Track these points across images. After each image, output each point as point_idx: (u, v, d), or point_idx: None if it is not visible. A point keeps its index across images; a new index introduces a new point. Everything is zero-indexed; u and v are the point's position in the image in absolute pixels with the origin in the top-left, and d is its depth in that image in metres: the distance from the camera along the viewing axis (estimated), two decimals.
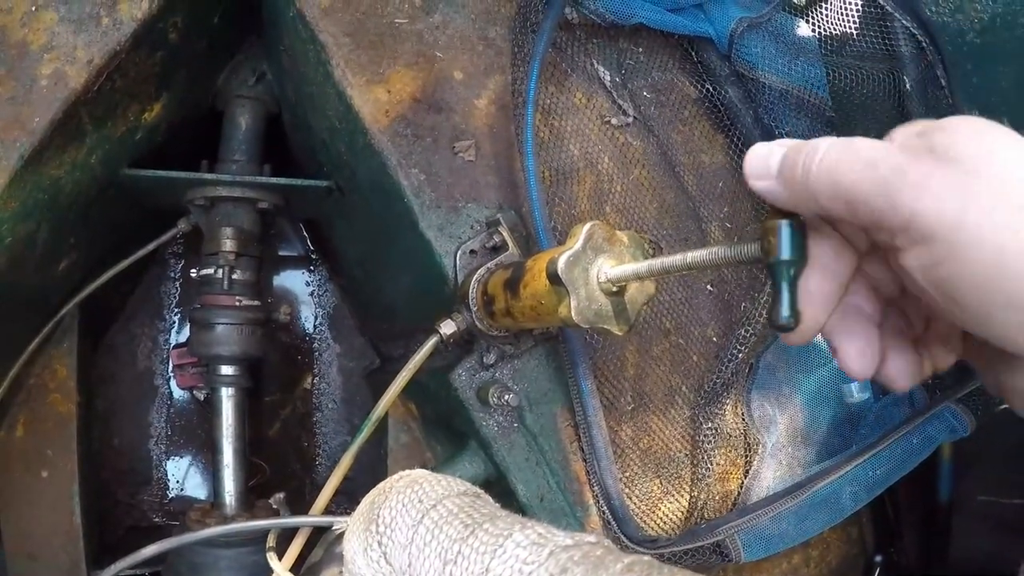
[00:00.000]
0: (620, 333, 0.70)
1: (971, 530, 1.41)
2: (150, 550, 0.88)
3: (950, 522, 1.42)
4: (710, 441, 1.08)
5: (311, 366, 1.65)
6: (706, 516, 1.11)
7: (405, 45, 0.99)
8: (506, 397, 0.88)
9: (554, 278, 0.68)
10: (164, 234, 1.18)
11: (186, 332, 1.58)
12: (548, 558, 0.51)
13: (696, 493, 1.09)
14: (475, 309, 0.86)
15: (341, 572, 0.92)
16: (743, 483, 1.14)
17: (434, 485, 0.68)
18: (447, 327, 0.86)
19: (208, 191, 1.14)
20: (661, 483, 1.05)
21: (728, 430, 1.11)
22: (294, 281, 1.67)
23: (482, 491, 0.69)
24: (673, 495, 1.07)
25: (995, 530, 1.39)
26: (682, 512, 1.08)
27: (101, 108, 0.99)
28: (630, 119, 1.08)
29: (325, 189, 1.13)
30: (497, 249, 0.90)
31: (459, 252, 0.90)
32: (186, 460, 1.60)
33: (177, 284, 1.61)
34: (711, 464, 1.09)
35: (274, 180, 1.14)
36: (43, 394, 1.23)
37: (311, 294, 1.67)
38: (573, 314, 0.67)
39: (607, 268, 0.68)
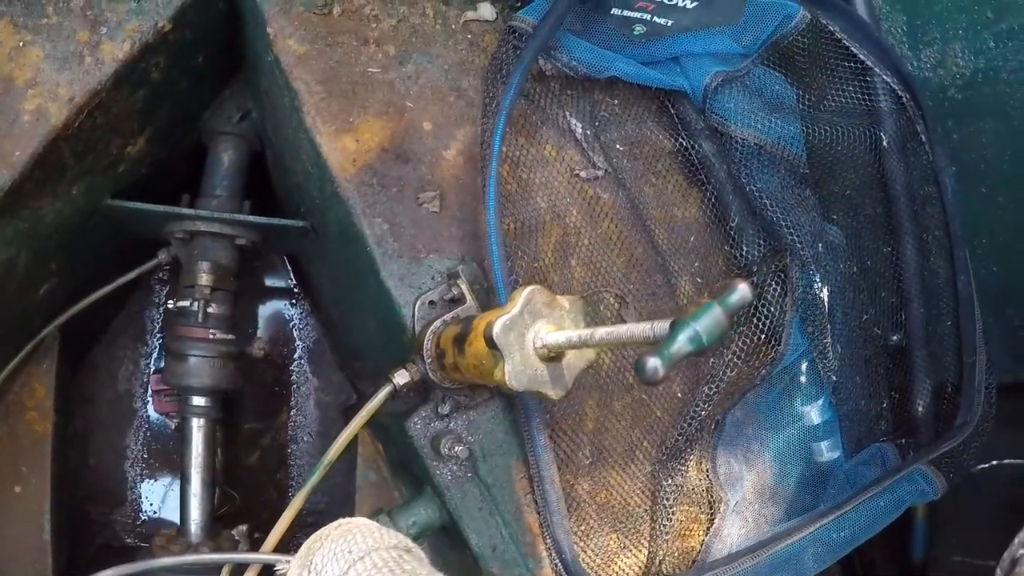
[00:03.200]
0: (555, 398, 0.73)
1: None
2: (105, 574, 0.91)
3: None
4: (670, 497, 1.10)
5: (289, 398, 1.69)
6: (663, 572, 1.12)
7: (376, 95, 1.03)
8: (456, 448, 0.91)
9: (490, 342, 0.71)
10: (145, 263, 1.22)
11: None
12: None
13: (654, 549, 1.11)
14: (429, 361, 0.89)
15: None
16: (704, 540, 1.16)
17: (366, 536, 0.71)
18: (400, 377, 0.89)
19: (187, 225, 1.19)
20: (618, 537, 1.07)
21: (691, 486, 1.13)
22: (278, 312, 1.72)
23: (415, 546, 0.71)
24: (630, 550, 1.08)
25: None
26: (639, 567, 1.10)
27: (82, 143, 1.04)
28: (600, 172, 1.11)
29: (301, 229, 1.17)
30: (456, 301, 0.93)
31: (418, 302, 0.94)
32: (160, 483, 1.64)
33: (161, 310, 1.65)
34: (670, 520, 1.11)
35: (252, 218, 1.19)
36: (20, 412, 1.27)
37: (293, 327, 1.71)
38: (507, 378, 0.70)
39: (543, 334, 0.71)
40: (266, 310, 1.71)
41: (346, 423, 1.61)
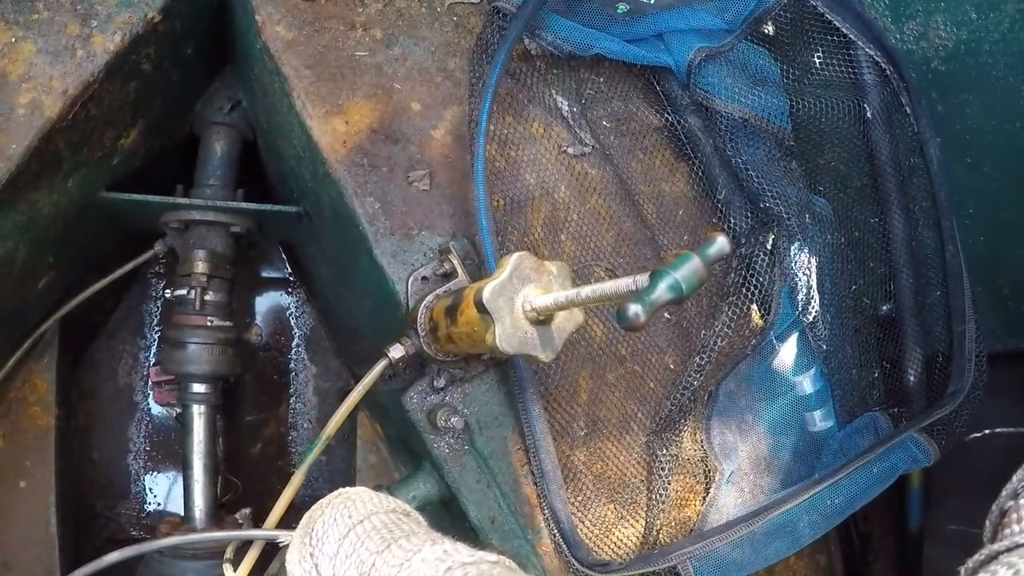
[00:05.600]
0: (546, 360, 0.77)
1: (943, 559, 1.45)
2: (112, 557, 0.95)
3: (921, 551, 1.47)
4: (666, 468, 1.14)
5: (288, 386, 1.73)
6: (661, 541, 1.15)
7: (365, 77, 1.06)
8: (452, 420, 0.94)
9: (480, 306, 0.74)
10: (141, 255, 1.25)
11: None
12: (445, 573, 0.57)
13: (651, 519, 1.14)
14: (423, 334, 0.92)
15: None
16: (700, 510, 1.19)
17: (365, 502, 0.74)
18: (395, 351, 0.92)
19: (182, 215, 1.22)
20: (615, 508, 1.11)
21: (686, 457, 1.17)
22: (274, 302, 1.75)
23: (413, 510, 0.75)
24: (628, 520, 1.12)
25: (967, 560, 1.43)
26: (637, 537, 1.13)
27: (77, 135, 1.07)
28: (588, 148, 1.15)
29: (295, 215, 1.20)
30: (448, 276, 0.97)
31: (411, 278, 0.97)
32: (164, 475, 1.68)
33: (158, 303, 1.69)
34: (667, 490, 1.14)
35: (245, 205, 1.22)
36: (23, 407, 1.30)
37: (290, 315, 1.75)
38: (498, 341, 0.73)
39: (532, 297, 0.74)
40: (262, 300, 1.74)
41: None
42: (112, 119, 1.13)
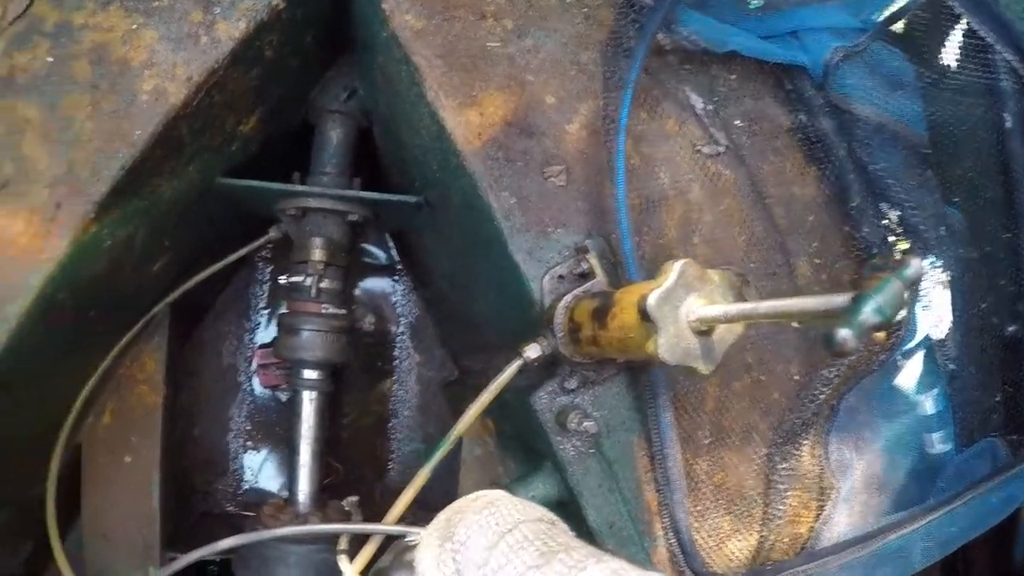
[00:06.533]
0: (706, 372, 0.75)
1: None
2: (228, 543, 0.95)
3: None
4: (785, 481, 1.11)
5: (391, 373, 1.75)
6: (772, 558, 1.13)
7: (497, 68, 1.05)
8: (586, 424, 0.93)
9: (644, 314, 0.72)
10: (255, 240, 1.26)
11: (271, 333, 1.70)
12: None
13: (765, 533, 1.12)
14: (560, 335, 0.91)
15: None
16: (813, 527, 1.16)
17: (511, 509, 0.72)
18: (531, 351, 0.91)
19: (299, 202, 1.23)
20: (731, 520, 1.09)
21: (803, 471, 1.14)
22: (379, 290, 1.77)
23: (557, 519, 0.73)
24: (742, 533, 1.10)
25: None
26: (749, 551, 1.11)
27: (200, 121, 1.08)
28: (722, 148, 1.12)
29: (415, 204, 1.20)
30: (584, 276, 0.95)
31: (546, 277, 0.96)
32: (261, 454, 1.72)
33: (265, 287, 1.72)
34: (783, 505, 1.12)
35: (364, 194, 1.22)
36: (131, 385, 1.33)
37: (394, 303, 1.76)
38: (661, 351, 0.72)
39: (697, 307, 0.72)
40: (369, 286, 1.75)
41: (446, 398, 1.68)
42: (234, 105, 1.14)
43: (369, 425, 1.75)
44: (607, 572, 0.58)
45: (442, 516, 0.78)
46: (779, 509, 1.11)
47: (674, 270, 0.73)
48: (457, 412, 1.57)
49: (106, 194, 0.97)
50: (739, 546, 1.09)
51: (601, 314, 0.83)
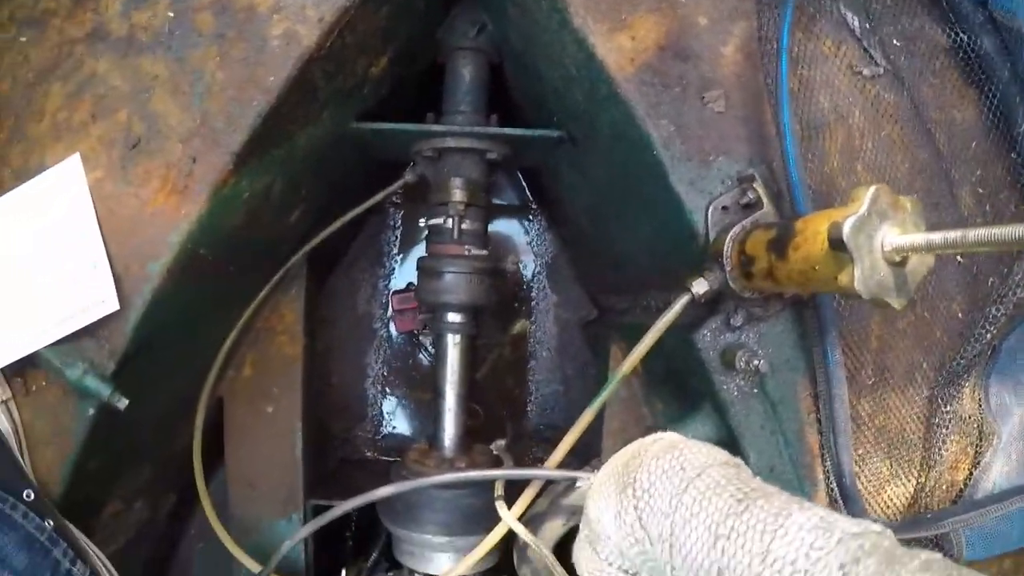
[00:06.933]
0: (899, 307, 0.70)
1: None
2: (385, 490, 0.95)
3: None
4: (946, 426, 1.06)
5: (528, 314, 1.73)
6: (929, 505, 1.09)
7: None
8: (755, 362, 0.89)
9: (837, 243, 0.67)
10: (389, 185, 1.25)
11: (405, 279, 1.71)
12: (837, 545, 0.50)
13: (923, 479, 1.08)
14: (729, 269, 0.87)
15: (564, 524, 0.96)
16: (971, 474, 1.11)
17: (695, 452, 0.68)
18: (699, 286, 0.87)
19: (436, 142, 1.20)
20: (890, 464, 1.04)
21: (964, 415, 1.09)
22: (511, 231, 1.74)
23: (742, 463, 0.69)
24: (900, 478, 1.05)
25: None
26: (906, 497, 1.07)
27: (332, 64, 1.04)
28: (880, 69, 1.04)
29: (556, 139, 1.15)
30: (750, 206, 0.90)
31: (710, 208, 0.91)
32: (399, 399, 1.75)
33: (397, 233, 1.72)
34: (943, 450, 1.07)
35: (504, 130, 1.18)
36: (271, 336, 1.34)
37: (529, 243, 1.73)
38: (856, 283, 0.67)
39: (892, 236, 0.67)
40: (502, 227, 1.73)
41: (585, 338, 1.66)
42: (365, 46, 1.10)
43: (506, 368, 1.74)
44: (814, 519, 0.54)
45: (616, 461, 0.75)
46: (939, 454, 1.06)
47: (867, 196, 0.68)
48: (597, 352, 1.56)
49: (243, 144, 0.95)
50: (897, 492, 1.05)
51: (780, 245, 0.78)
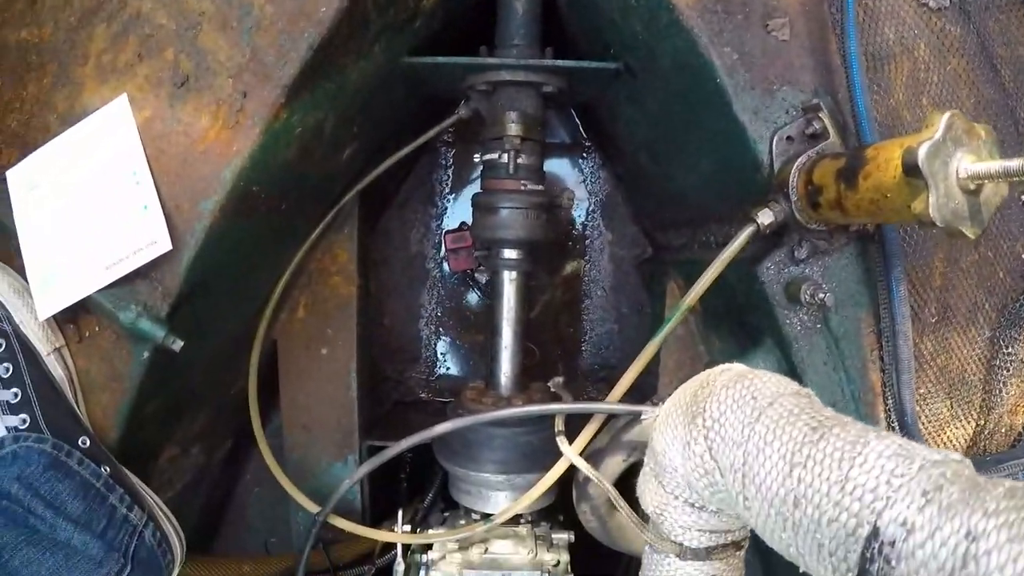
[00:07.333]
0: (972, 236, 0.69)
1: None
2: (444, 427, 0.95)
3: None
4: (1008, 368, 1.05)
5: (582, 253, 1.72)
6: (988, 448, 1.08)
7: None
8: (820, 296, 0.88)
9: (911, 169, 0.66)
10: (439, 122, 1.23)
11: (458, 218, 1.70)
12: (919, 472, 0.50)
13: (983, 421, 1.07)
14: (795, 199, 0.86)
15: (625, 460, 0.96)
16: None
17: (766, 382, 0.68)
18: (765, 217, 0.86)
19: (490, 76, 1.18)
20: (951, 405, 1.03)
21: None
22: (566, 167, 1.72)
23: (813, 393, 0.68)
24: (961, 420, 1.04)
25: None
26: (966, 439, 1.06)
27: None
28: (947, 2, 1.02)
29: (613, 71, 1.14)
30: (816, 137, 0.88)
31: (775, 138, 0.89)
32: (453, 340, 1.75)
33: (449, 172, 1.70)
34: (1004, 393, 1.06)
35: (560, 63, 1.16)
36: (324, 277, 1.34)
37: (582, 181, 1.71)
38: (932, 210, 0.66)
39: (967, 163, 0.66)
40: (554, 164, 1.71)
41: (640, 276, 1.66)
42: None
43: (555, 305, 1.73)
44: (893, 447, 0.53)
45: (683, 393, 0.75)
46: (1000, 397, 1.05)
47: (942, 122, 0.67)
48: (652, 290, 1.56)
49: (295, 77, 0.94)
50: (957, 433, 1.04)
51: (850, 174, 0.77)
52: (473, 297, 1.72)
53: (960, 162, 0.67)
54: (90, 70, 0.96)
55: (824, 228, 0.88)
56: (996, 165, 0.66)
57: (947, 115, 0.67)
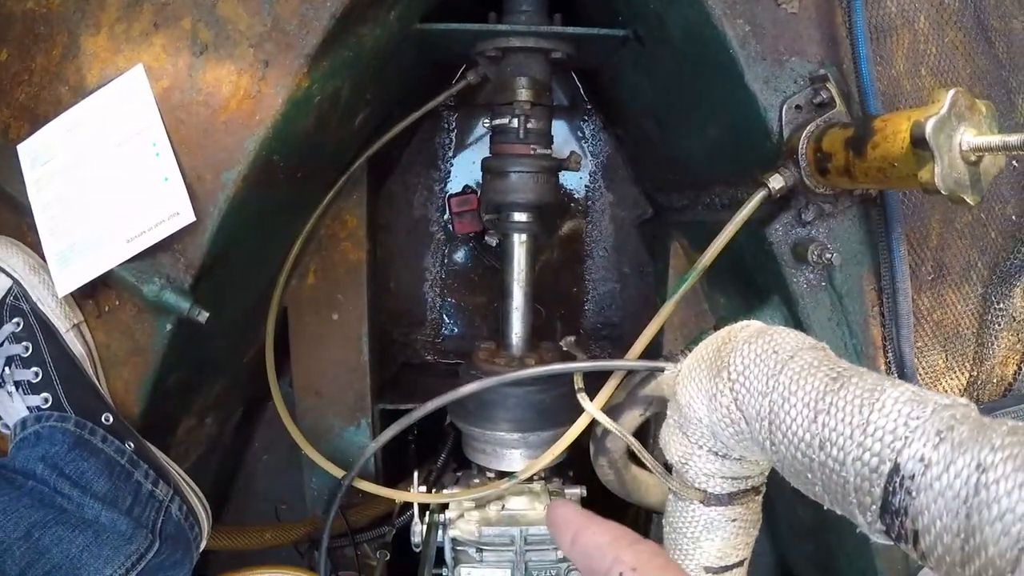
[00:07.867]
0: (973, 203, 0.75)
1: None
2: (469, 388, 1.00)
3: None
4: (999, 322, 1.11)
5: (585, 214, 1.76)
6: (980, 397, 1.15)
7: None
8: (828, 256, 0.93)
9: (919, 142, 0.72)
10: (444, 88, 1.26)
11: (461, 182, 1.73)
12: (932, 415, 0.54)
13: (975, 373, 1.13)
14: (804, 165, 0.91)
15: (642, 414, 1.02)
16: (1020, 369, 1.17)
17: (785, 336, 0.73)
18: (775, 181, 0.91)
19: (500, 42, 1.21)
20: (946, 357, 1.09)
21: (1014, 314, 1.14)
22: (567, 130, 1.75)
23: (827, 346, 0.74)
24: (955, 371, 1.11)
25: None
26: (960, 389, 1.13)
27: None
28: None
29: (621, 38, 1.17)
30: (823, 106, 0.93)
31: (784, 106, 0.94)
32: (458, 302, 1.79)
33: (452, 136, 1.73)
34: (995, 345, 1.13)
35: (570, 29, 1.19)
36: (334, 243, 1.36)
37: (585, 143, 1.75)
38: (937, 179, 0.72)
39: (970, 136, 0.72)
40: (556, 127, 1.69)
41: (641, 236, 1.69)
42: None
43: (556, 265, 1.77)
44: (907, 393, 0.58)
45: (705, 348, 0.79)
46: (991, 350, 1.12)
47: (947, 98, 0.72)
48: (654, 250, 1.61)
49: (317, 46, 0.95)
50: (951, 384, 1.11)
51: (859, 143, 0.82)
52: (477, 260, 1.76)
53: (963, 135, 0.73)
54: (103, 40, 0.96)
55: (830, 192, 0.93)
56: (996, 139, 0.71)
57: (952, 92, 0.73)
